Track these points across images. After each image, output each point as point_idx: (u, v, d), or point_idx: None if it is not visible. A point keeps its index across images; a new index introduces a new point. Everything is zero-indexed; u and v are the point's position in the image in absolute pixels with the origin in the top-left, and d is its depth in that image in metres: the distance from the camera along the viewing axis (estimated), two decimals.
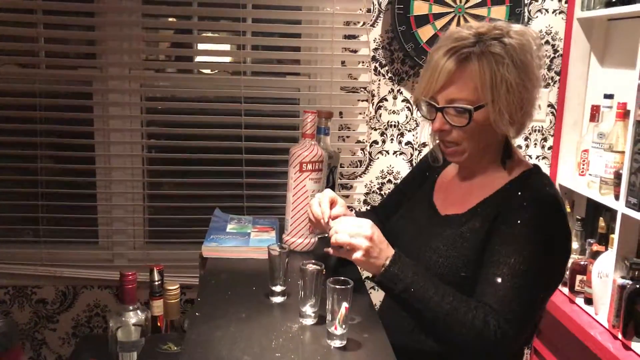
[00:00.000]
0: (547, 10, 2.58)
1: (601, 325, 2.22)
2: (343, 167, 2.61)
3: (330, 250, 1.35)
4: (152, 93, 2.64)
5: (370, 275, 1.34)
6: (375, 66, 2.55)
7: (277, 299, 1.33)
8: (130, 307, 1.43)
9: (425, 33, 2.50)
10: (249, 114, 2.56)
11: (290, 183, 1.61)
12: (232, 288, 1.38)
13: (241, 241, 1.61)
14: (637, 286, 2.08)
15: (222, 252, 1.57)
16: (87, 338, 2.31)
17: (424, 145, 2.64)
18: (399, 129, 2.61)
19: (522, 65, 1.33)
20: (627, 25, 2.41)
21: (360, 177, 2.63)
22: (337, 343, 1.15)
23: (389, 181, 2.65)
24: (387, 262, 1.29)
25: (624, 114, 2.29)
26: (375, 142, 2.62)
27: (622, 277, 2.15)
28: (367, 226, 1.30)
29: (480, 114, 1.33)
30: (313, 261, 1.24)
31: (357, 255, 1.28)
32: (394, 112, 2.60)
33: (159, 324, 1.57)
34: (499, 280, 1.28)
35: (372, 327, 1.23)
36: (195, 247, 2.57)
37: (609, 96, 2.36)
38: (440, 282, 1.31)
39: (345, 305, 1.13)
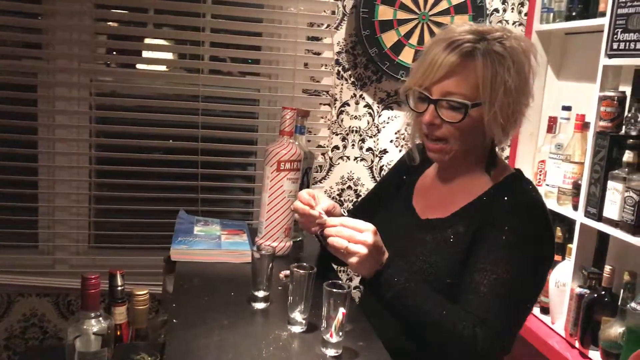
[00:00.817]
0: (507, 22, 2.62)
1: (558, 334, 2.24)
2: None
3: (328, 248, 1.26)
4: (103, 88, 2.49)
5: (360, 278, 1.27)
6: (338, 70, 2.50)
7: (260, 305, 1.24)
8: (92, 314, 1.29)
9: (389, 38, 2.47)
10: (206, 113, 2.44)
11: (266, 183, 1.53)
12: (209, 293, 1.28)
13: (212, 244, 1.51)
14: (595, 295, 2.11)
15: (193, 256, 1.46)
16: (30, 350, 2.12)
17: (385, 151, 2.60)
18: (361, 135, 2.57)
19: (521, 70, 1.31)
20: (583, 39, 2.47)
21: (321, 182, 2.56)
22: (332, 352, 1.07)
23: (349, 187, 2.60)
24: (380, 268, 1.23)
25: (582, 126, 2.34)
26: (336, 147, 2.56)
27: (580, 286, 2.18)
28: (370, 233, 1.23)
29: (475, 112, 1.30)
30: (304, 264, 1.16)
31: (352, 260, 1.21)
32: (355, 117, 2.55)
33: (118, 333, 1.44)
34: (486, 289, 1.24)
35: (365, 334, 1.16)
36: (146, 253, 2.46)
37: (566, 108, 2.40)
38: (431, 290, 1.26)
39: (342, 310, 1.05)
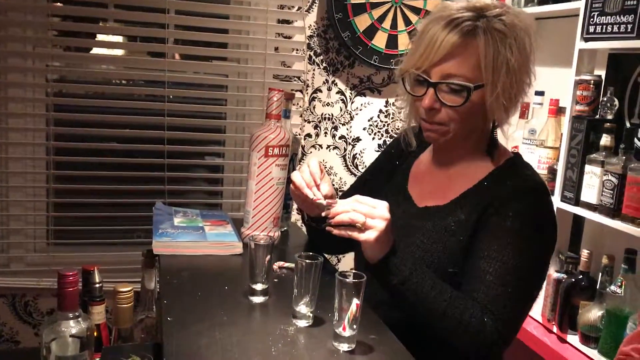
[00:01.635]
0: None
1: (534, 320, 2.23)
2: None
3: (334, 230, 1.18)
4: (61, 74, 2.33)
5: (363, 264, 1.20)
6: (309, 54, 2.42)
7: (259, 299, 1.15)
8: (70, 315, 1.18)
9: (362, 22, 2.41)
10: (173, 101, 2.32)
11: (252, 170, 1.43)
12: (201, 288, 1.18)
13: (197, 235, 1.41)
14: (573, 280, 2.10)
15: (178, 249, 1.35)
16: None
17: (358, 139, 2.54)
18: (333, 122, 2.50)
19: (522, 48, 1.24)
20: (553, 24, 2.46)
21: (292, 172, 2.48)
22: (345, 346, 1.00)
23: None
24: (388, 251, 1.16)
25: (556, 111, 2.33)
26: (309, 135, 2.48)
27: (557, 271, 2.17)
28: (385, 208, 1.16)
29: (477, 94, 1.23)
30: (310, 253, 1.08)
31: (371, 235, 1.13)
32: (328, 104, 2.48)
33: (95, 334, 1.32)
34: (492, 277, 1.19)
35: (376, 325, 1.08)
36: (110, 249, 2.31)
37: (539, 93, 2.39)
38: (437, 278, 1.20)
39: (356, 302, 0.98)
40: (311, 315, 1.07)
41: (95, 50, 2.39)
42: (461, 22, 1.22)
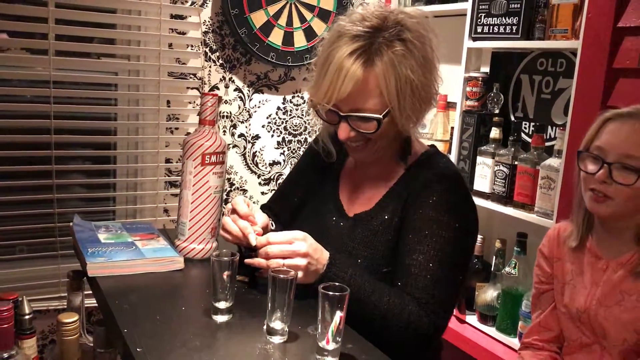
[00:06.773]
0: (367, 4, 2.64)
1: None
2: (171, 162, 2.35)
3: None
4: None
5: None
6: (205, 51, 2.33)
7: (223, 318, 1.10)
8: (5, 355, 1.04)
9: (258, 18, 2.37)
10: (59, 102, 2.12)
11: (188, 179, 1.36)
12: (156, 311, 1.10)
13: (132, 253, 1.31)
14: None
15: (114, 269, 1.25)
16: None
17: (257, 137, 2.50)
18: (232, 121, 2.43)
19: (424, 61, 1.25)
20: (440, 22, 2.56)
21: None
22: None
23: None
24: (324, 268, 1.19)
25: (445, 106, 2.46)
26: None
27: None
28: (302, 243, 1.17)
29: (388, 117, 1.26)
30: (284, 267, 1.05)
31: (298, 275, 1.14)
32: (226, 102, 2.41)
33: None
34: (416, 270, 1.23)
35: (347, 334, 1.08)
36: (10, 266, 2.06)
37: None
38: (376, 280, 1.23)
39: (339, 314, 0.97)
40: (287, 330, 1.04)
41: None
42: (363, 51, 1.22)
